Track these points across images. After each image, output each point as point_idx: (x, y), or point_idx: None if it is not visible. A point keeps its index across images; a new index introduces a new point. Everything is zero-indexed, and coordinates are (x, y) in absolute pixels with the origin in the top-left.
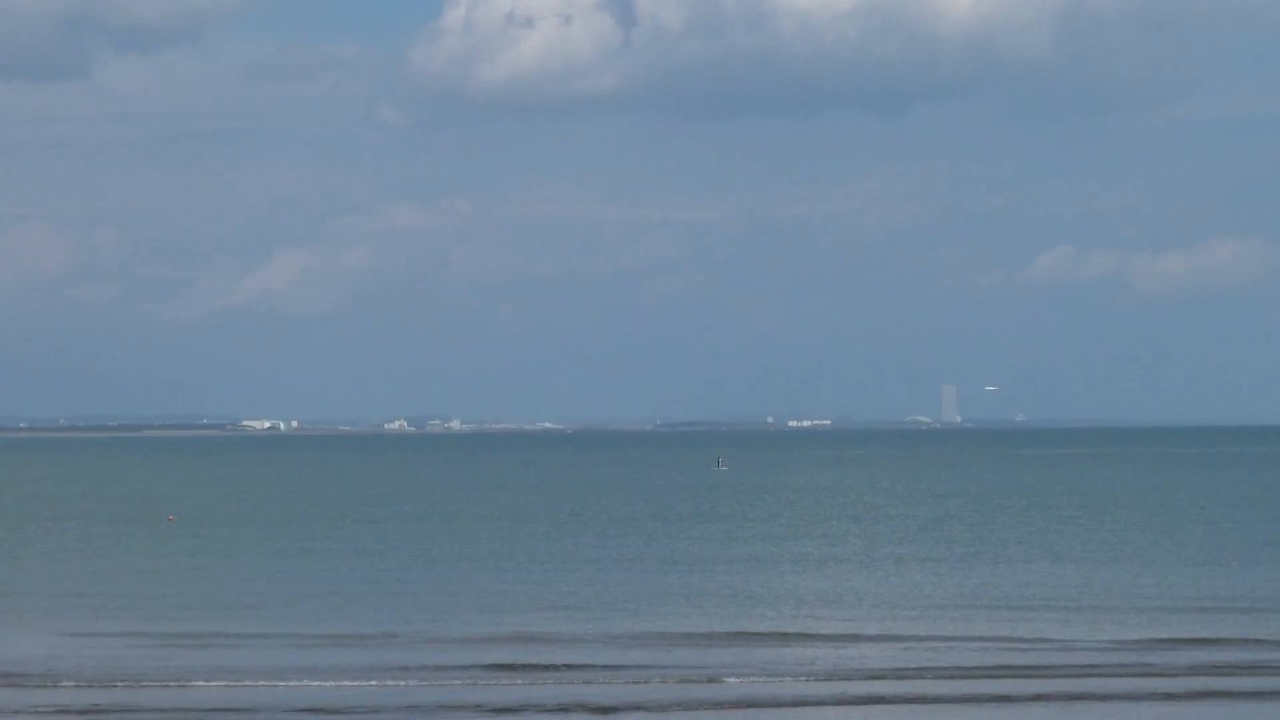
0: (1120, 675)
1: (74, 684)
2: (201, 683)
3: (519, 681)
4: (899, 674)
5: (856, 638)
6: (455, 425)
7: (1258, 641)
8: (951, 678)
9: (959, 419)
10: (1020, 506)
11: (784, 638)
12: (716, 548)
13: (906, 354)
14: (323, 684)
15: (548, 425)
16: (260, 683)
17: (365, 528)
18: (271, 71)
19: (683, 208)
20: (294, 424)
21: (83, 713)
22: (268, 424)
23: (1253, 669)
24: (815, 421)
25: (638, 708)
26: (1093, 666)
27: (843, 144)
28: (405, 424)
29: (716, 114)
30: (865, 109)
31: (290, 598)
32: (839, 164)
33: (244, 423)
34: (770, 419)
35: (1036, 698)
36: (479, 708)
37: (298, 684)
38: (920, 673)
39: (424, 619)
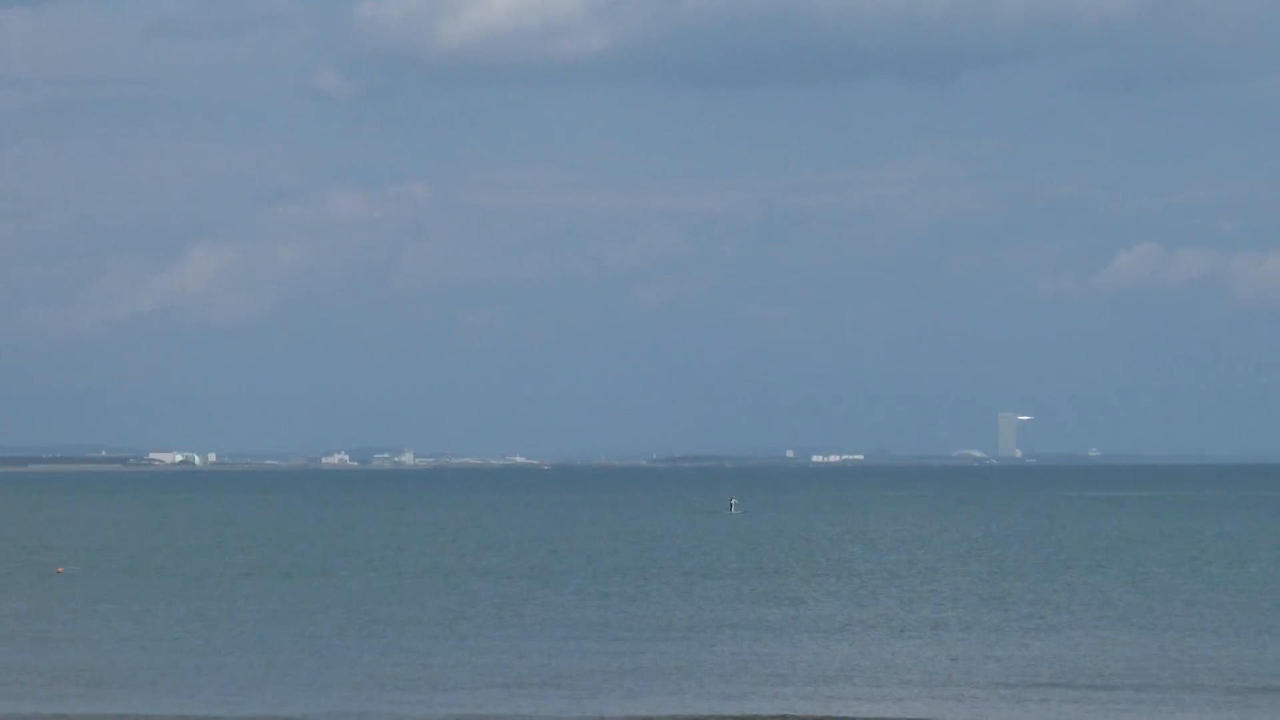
0: None
1: None
2: None
3: None
4: None
5: None
6: (408, 459)
7: None
8: None
9: (1019, 454)
10: (1089, 562)
11: None
12: (720, 609)
13: (957, 376)
14: None
15: (520, 460)
16: None
17: (293, 584)
18: (187, 28)
19: (685, 196)
20: (211, 457)
21: None
22: (179, 457)
23: None
24: (845, 456)
25: None
26: None
27: (880, 119)
28: (347, 458)
29: (727, 82)
30: (907, 77)
31: (198, 670)
32: (875, 143)
33: (151, 455)
34: (790, 453)
35: None
36: None
37: None
38: None
39: (360, 697)
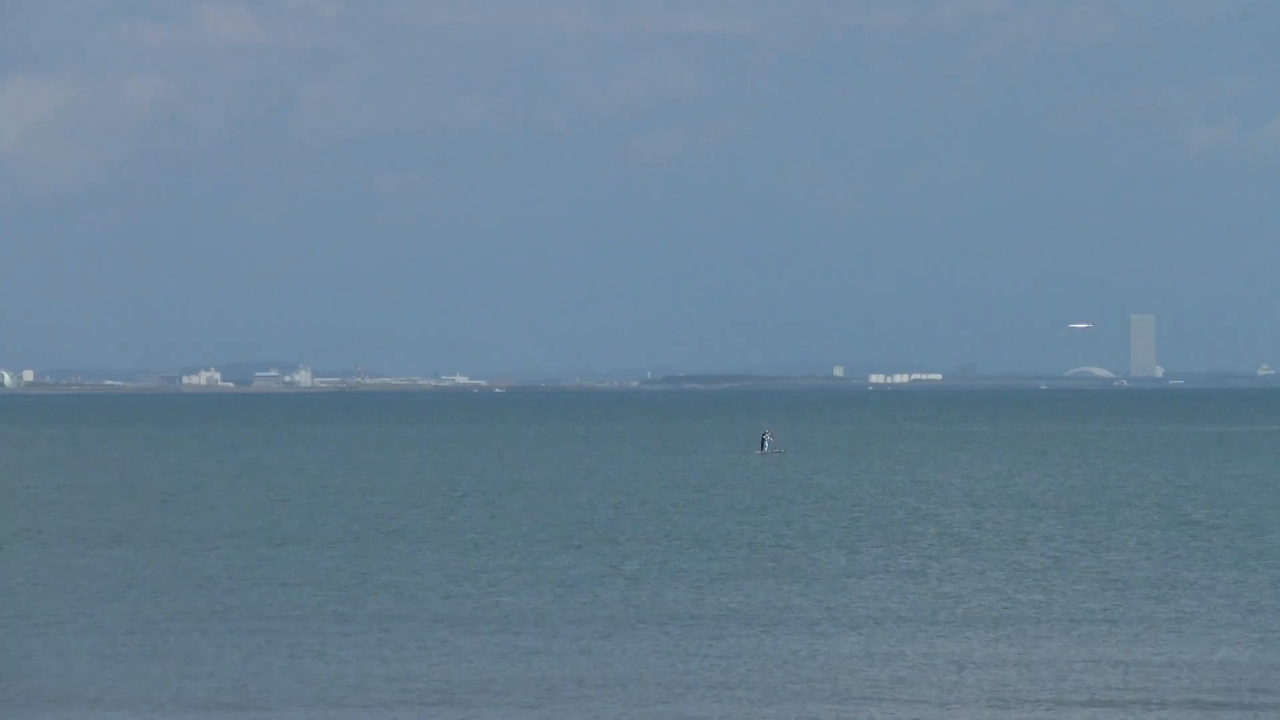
0: None
1: None
2: None
3: None
4: None
5: None
6: (303, 379)
7: None
8: None
9: (1159, 371)
10: (1231, 533)
11: None
12: (725, 591)
13: (1071, 267)
14: None
15: (463, 380)
16: None
17: (130, 552)
18: None
19: (699, 14)
20: (26, 376)
21: None
22: None
23: None
24: (916, 376)
25: None
26: None
27: None
28: (218, 377)
29: None
30: None
31: None
32: None
33: None
34: (839, 370)
35: None
36: None
37: None
38: None
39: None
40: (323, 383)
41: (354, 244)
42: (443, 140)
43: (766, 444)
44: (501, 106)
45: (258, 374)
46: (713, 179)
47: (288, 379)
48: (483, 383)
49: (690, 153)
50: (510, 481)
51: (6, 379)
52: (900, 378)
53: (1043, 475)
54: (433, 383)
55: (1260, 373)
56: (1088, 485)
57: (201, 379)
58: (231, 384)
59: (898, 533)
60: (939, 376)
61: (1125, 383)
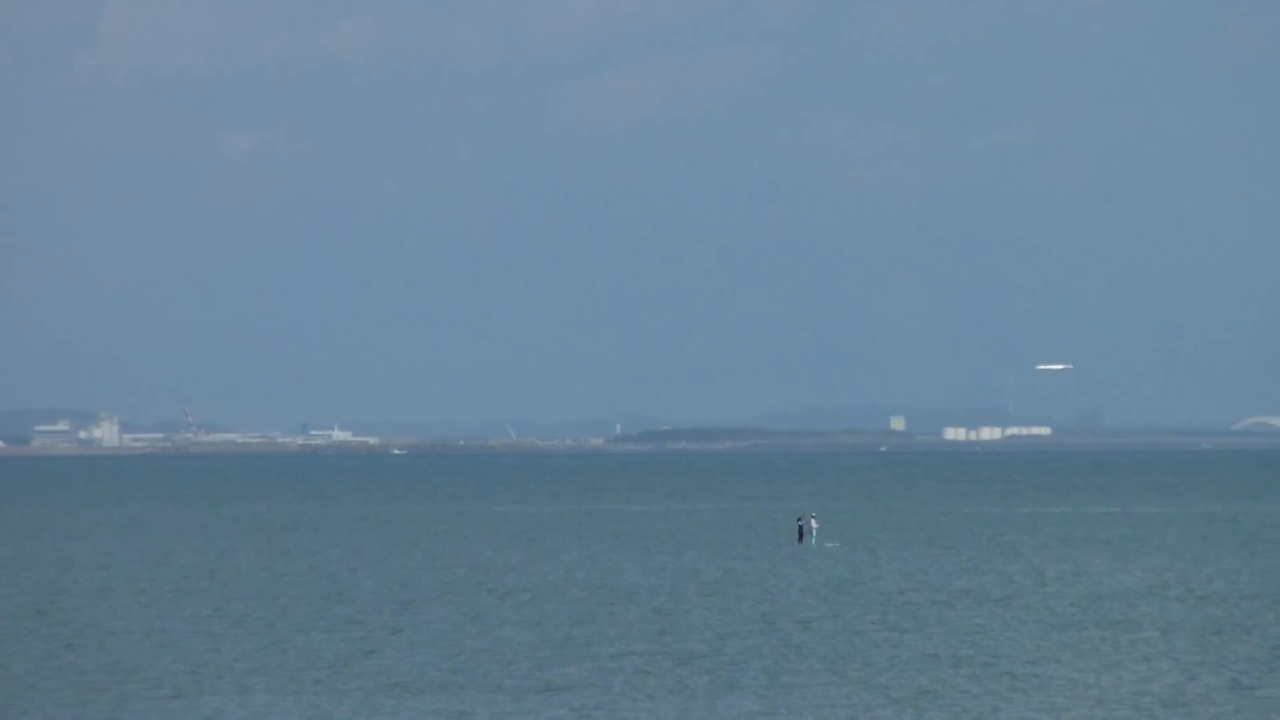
0: None
1: None
2: None
3: None
4: None
5: None
6: (105, 434)
7: None
8: None
9: None
10: None
11: None
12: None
13: (1256, 275)
14: None
15: (344, 436)
16: None
17: None
18: None
19: None
20: None
21: None
22: None
23: None
24: (1013, 431)
25: None
26: None
27: None
28: None
29: None
30: None
31: None
32: None
33: None
34: (898, 422)
35: None
36: None
37: None
38: None
39: None
40: (136, 440)
41: (183, 236)
42: (309, 86)
43: (811, 533)
44: (394, 37)
45: (38, 428)
46: (705, 141)
47: (83, 435)
48: (373, 440)
49: (671, 104)
50: (402, 601)
51: None
52: (989, 433)
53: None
54: (299, 440)
55: None
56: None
57: None
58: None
59: (1032, 681)
60: (1046, 431)
61: None
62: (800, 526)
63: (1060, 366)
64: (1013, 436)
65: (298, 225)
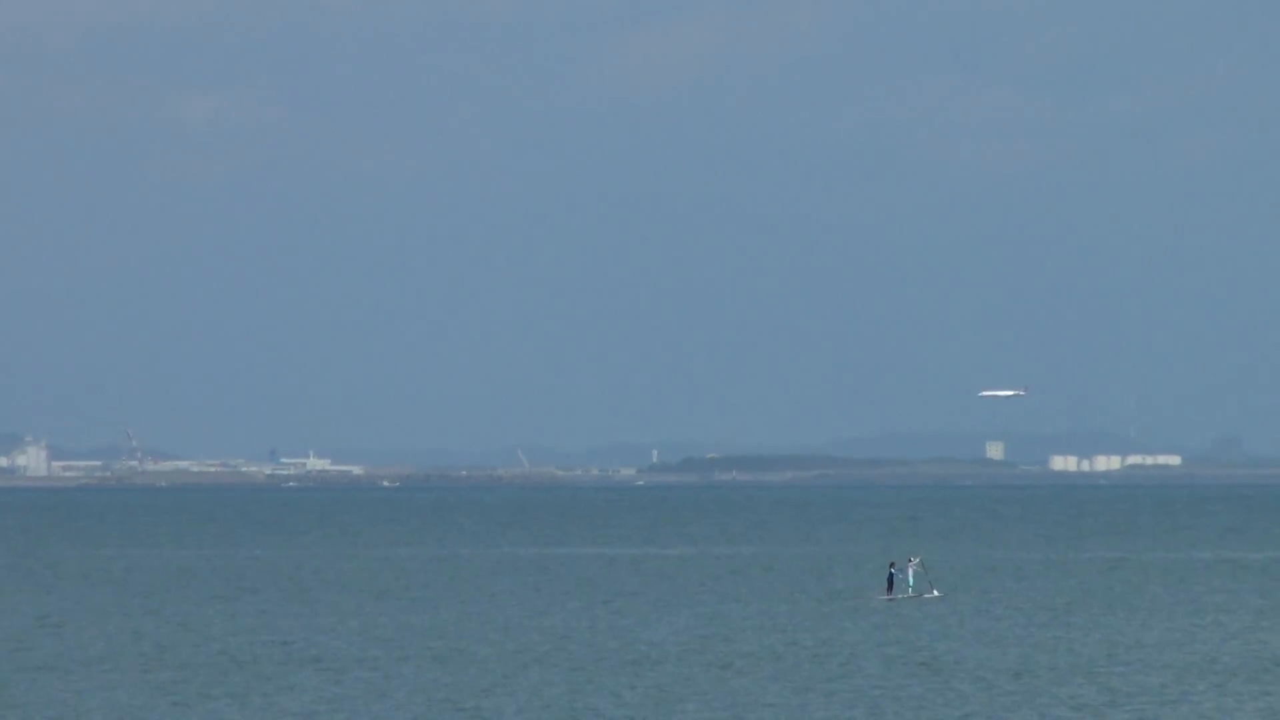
0: None
1: None
2: None
3: None
4: None
5: None
6: (32, 461)
7: None
8: None
9: None
10: None
11: None
12: None
13: None
14: None
15: (322, 465)
16: None
17: None
18: None
19: None
20: None
21: None
22: None
23: None
24: (1135, 460)
25: None
26: None
27: None
28: None
29: None
30: None
31: None
32: None
33: None
34: (996, 449)
35: None
36: None
37: None
38: None
39: None
40: (68, 469)
41: (126, 221)
42: (281, 40)
43: (907, 580)
44: None
45: None
46: (764, 111)
47: (3, 462)
48: (357, 470)
49: (723, 65)
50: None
51: None
52: (1105, 462)
53: None
54: (266, 470)
55: None
56: None
57: None
58: None
59: None
60: (1175, 460)
61: None
62: (891, 574)
63: (1009, 392)
64: (1134, 466)
65: (266, 209)
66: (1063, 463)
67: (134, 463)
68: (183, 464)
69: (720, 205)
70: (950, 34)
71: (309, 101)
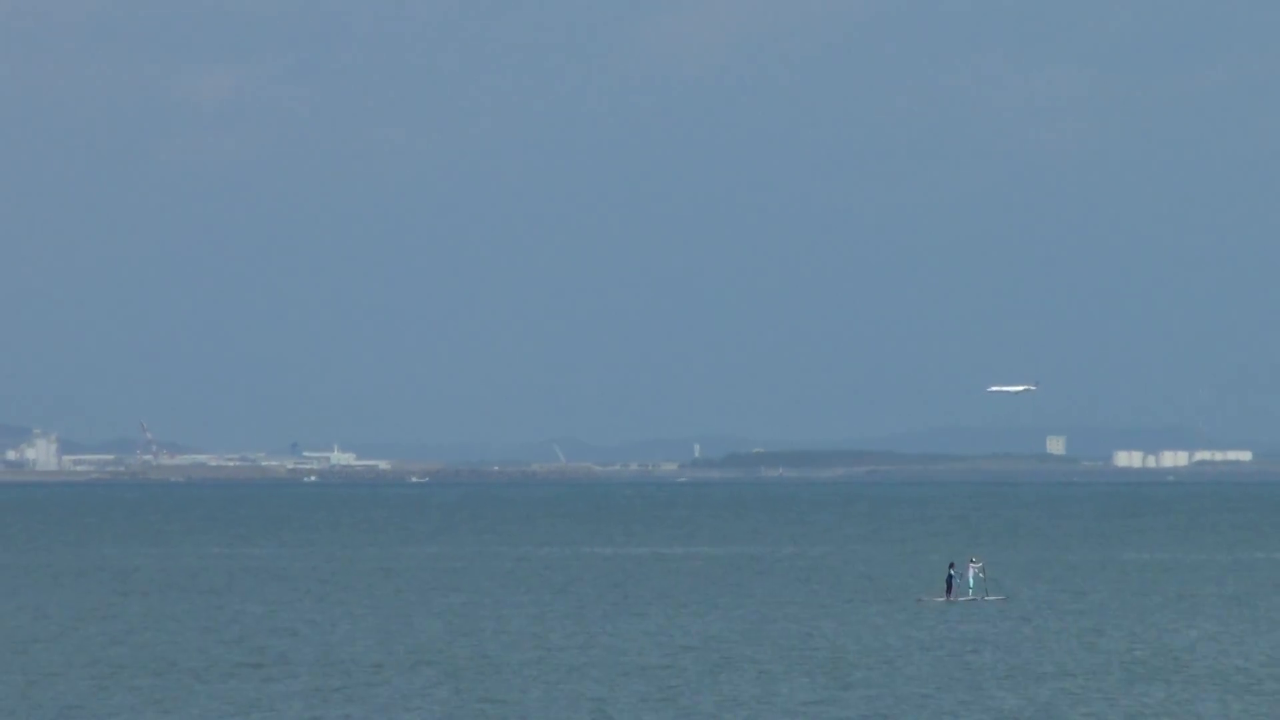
0: None
1: None
2: None
3: None
4: None
5: None
6: (41, 455)
7: None
8: None
9: None
10: None
11: None
12: None
13: None
14: None
15: (347, 459)
16: None
17: None
18: None
19: None
20: None
21: None
22: None
23: None
24: (1203, 455)
25: None
26: None
27: None
28: None
29: None
30: None
31: None
32: None
33: None
34: (1056, 444)
35: None
36: None
37: None
38: None
39: None
40: (79, 463)
41: (139, 205)
42: (301, 17)
43: (967, 583)
44: None
45: None
46: (809, 92)
47: (12, 455)
48: (384, 464)
49: (762, 42)
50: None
51: None
52: (1173, 458)
53: None
54: (289, 464)
55: None
56: None
57: None
58: None
59: None
60: (1247, 455)
61: None
62: (950, 576)
63: (1019, 388)
64: (1203, 462)
65: (286, 191)
66: (1127, 458)
67: (148, 456)
68: (200, 458)
69: (768, 196)
70: (992, 14)
71: (330, 78)
